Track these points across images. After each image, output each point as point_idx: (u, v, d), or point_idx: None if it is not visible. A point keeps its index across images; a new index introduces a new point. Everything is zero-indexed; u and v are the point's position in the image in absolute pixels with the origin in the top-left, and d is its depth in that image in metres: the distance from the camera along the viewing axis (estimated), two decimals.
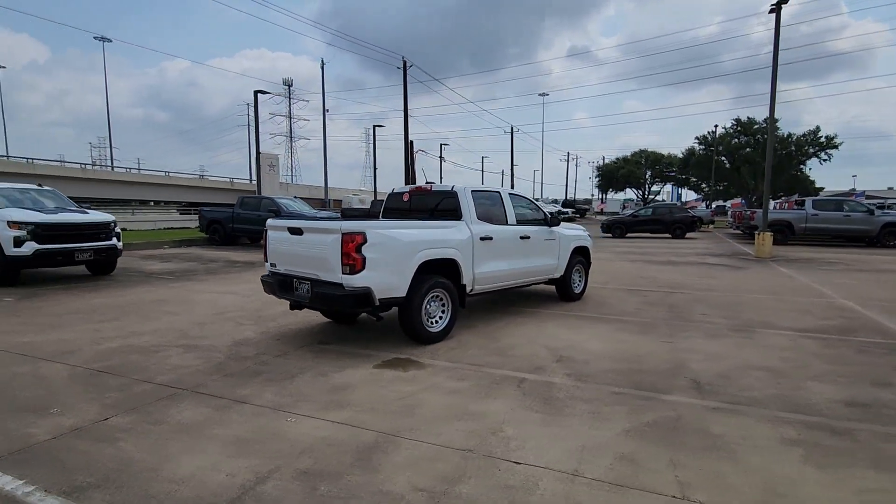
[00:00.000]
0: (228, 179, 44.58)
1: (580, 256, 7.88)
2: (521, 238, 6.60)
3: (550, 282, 7.61)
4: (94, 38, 61.26)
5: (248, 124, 72.87)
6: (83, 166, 37.35)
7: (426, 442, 3.16)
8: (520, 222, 6.73)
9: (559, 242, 7.36)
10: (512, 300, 7.91)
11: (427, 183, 6.65)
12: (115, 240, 10.17)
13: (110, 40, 61.99)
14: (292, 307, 5.43)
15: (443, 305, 5.51)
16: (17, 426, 3.39)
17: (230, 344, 5.37)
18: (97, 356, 4.93)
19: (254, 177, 38.90)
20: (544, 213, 7.25)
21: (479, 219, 6.05)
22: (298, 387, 4.12)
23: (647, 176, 56.54)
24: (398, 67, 30.33)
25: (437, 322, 5.45)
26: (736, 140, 41.56)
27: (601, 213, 55.17)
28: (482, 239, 5.95)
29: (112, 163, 66.89)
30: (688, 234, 23.53)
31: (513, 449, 3.07)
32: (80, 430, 3.34)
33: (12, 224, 8.85)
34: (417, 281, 5.15)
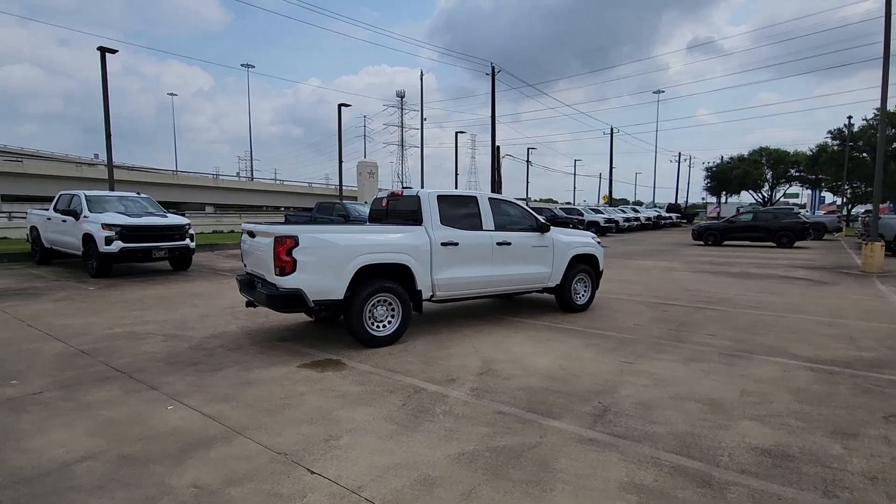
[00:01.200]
0: (334, 186, 47.77)
1: (583, 265, 7.30)
2: (499, 244, 6.30)
3: (549, 291, 7.16)
4: (241, 65, 68.98)
5: (365, 135, 77.55)
6: (215, 177, 42.61)
7: (257, 442, 3.20)
8: (501, 228, 6.43)
9: (553, 250, 6.90)
10: (508, 308, 7.58)
11: (403, 188, 6.64)
12: (188, 240, 11.50)
13: (253, 66, 70.05)
14: (247, 304, 5.75)
15: (392, 310, 5.48)
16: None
17: (205, 336, 5.84)
18: (96, 339, 5.66)
19: (354, 183, 41.29)
20: (535, 219, 6.84)
21: (444, 224, 5.91)
22: (214, 379, 4.38)
23: (767, 177, 49.78)
24: (487, 74, 30.36)
25: (384, 326, 5.42)
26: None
27: (717, 217, 49.94)
28: (444, 244, 5.80)
29: (252, 174, 75.21)
30: (799, 243, 20.46)
31: (327, 458, 2.99)
32: (11, 399, 3.89)
33: (105, 226, 10.42)
34: (358, 285, 5.18)
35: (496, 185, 30.95)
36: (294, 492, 2.63)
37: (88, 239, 10.61)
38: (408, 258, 5.49)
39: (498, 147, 31.05)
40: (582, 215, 28.06)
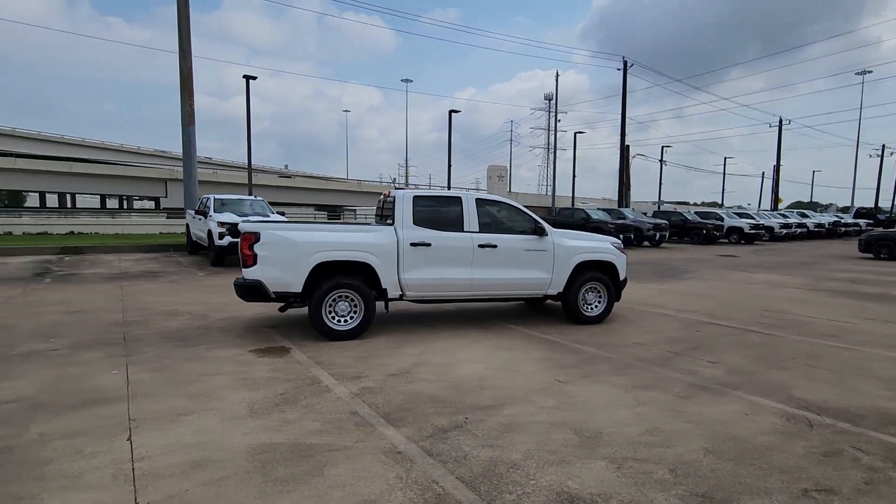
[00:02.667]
0: (466, 190, 49.55)
1: (595, 273, 6.55)
2: (482, 246, 6.02)
3: (553, 299, 6.61)
4: (401, 80, 74.77)
5: (511, 140, 77.96)
6: (359, 182, 46.86)
7: (129, 407, 3.65)
8: (488, 230, 6.14)
9: (553, 254, 6.34)
10: (512, 315, 7.15)
11: (396, 187, 6.71)
12: None
13: (411, 80, 75.20)
14: None
15: (354, 306, 5.63)
16: (12, 342, 5.25)
17: (219, 318, 6.66)
18: (146, 313, 6.84)
19: (483, 185, 41.82)
20: (533, 221, 6.36)
21: (419, 224, 5.86)
22: (175, 353, 5.02)
23: None
24: (618, 69, 28.42)
25: (346, 321, 5.60)
26: None
27: None
28: (414, 245, 5.76)
29: (407, 180, 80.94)
30: None
31: (156, 430, 3.30)
32: (32, 351, 4.97)
33: (220, 224, 12.35)
34: (317, 280, 5.45)
35: (624, 186, 28.79)
36: (97, 451, 2.99)
37: (210, 234, 12.68)
38: (370, 256, 5.59)
39: (627, 147, 28.85)
40: (721, 220, 24.57)
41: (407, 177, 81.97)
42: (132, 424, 3.37)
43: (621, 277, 6.75)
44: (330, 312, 5.55)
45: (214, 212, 13.18)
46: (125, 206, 61.62)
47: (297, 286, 5.40)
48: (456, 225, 6.03)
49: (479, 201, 6.26)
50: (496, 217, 6.32)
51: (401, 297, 5.86)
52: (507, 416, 3.59)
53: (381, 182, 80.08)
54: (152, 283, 9.71)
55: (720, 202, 56.16)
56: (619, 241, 7.03)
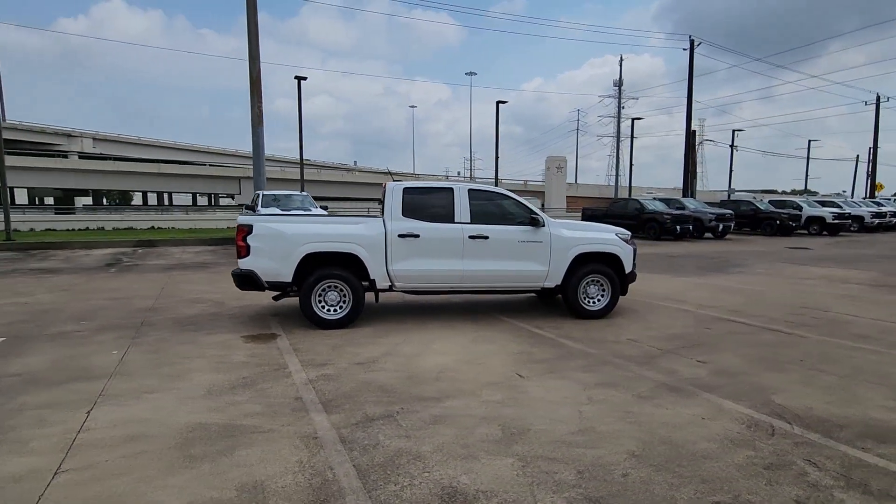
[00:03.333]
0: (522, 181, 48.53)
1: (597, 265, 6.23)
2: (472, 237, 5.93)
3: (551, 292, 6.39)
4: (466, 74, 74.71)
5: (578, 129, 75.63)
6: (415, 176, 47.48)
7: (107, 383, 3.99)
8: (480, 221, 6.03)
9: (550, 246, 6.11)
10: (511, 307, 6.97)
11: (394, 179, 6.71)
12: None
13: (475, 73, 75.07)
14: None
15: (343, 296, 5.76)
16: (49, 323, 5.90)
17: (234, 305, 7.07)
18: (174, 301, 7.42)
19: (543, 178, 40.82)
20: (530, 212, 6.15)
21: (408, 216, 5.88)
22: (175, 337, 5.41)
23: None
24: (684, 49, 26.61)
25: (335, 311, 5.76)
26: None
27: None
28: (402, 236, 5.78)
29: (472, 173, 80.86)
30: None
31: (117, 405, 3.59)
32: (59, 333, 5.57)
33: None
34: (306, 270, 5.64)
35: (690, 174, 26.98)
36: (56, 421, 3.31)
37: None
38: (357, 248, 5.69)
39: (694, 132, 26.98)
40: (799, 209, 22.35)
41: (472, 169, 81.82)
42: (100, 399, 3.69)
43: (627, 270, 6.37)
44: (320, 302, 5.73)
45: (262, 207, 13.94)
46: (211, 203, 66.71)
47: (287, 276, 5.62)
48: (447, 216, 5.98)
49: (472, 192, 6.16)
50: (490, 208, 6.18)
51: (390, 288, 5.92)
52: (444, 409, 3.54)
53: (448, 176, 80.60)
54: (198, 273, 10.48)
55: (808, 189, 51.12)
56: (627, 233, 6.63)
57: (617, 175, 36.31)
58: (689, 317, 6.43)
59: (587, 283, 6.27)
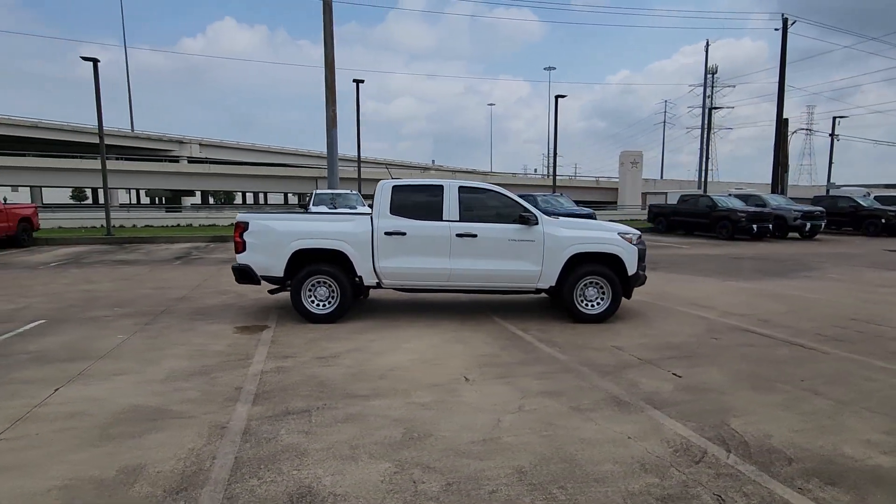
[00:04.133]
0: (594, 179, 46.49)
1: (597, 266, 5.82)
2: (460, 235, 5.79)
3: (545, 293, 6.07)
4: (544, 69, 73.43)
5: (665, 121, 71.15)
6: (514, 174, 46.95)
7: (91, 364, 4.41)
8: (470, 219, 5.87)
9: (543, 245, 5.80)
10: (506, 308, 6.68)
11: (392, 177, 6.69)
12: None
13: (554, 68, 73.09)
14: None
15: (332, 292, 5.88)
16: (90, 308, 6.61)
17: (252, 297, 7.48)
18: (202, 292, 8.00)
19: (606, 173, 38.81)
20: (522, 209, 5.87)
21: (396, 213, 5.87)
22: (180, 325, 5.83)
23: None
24: (776, 30, 24.03)
25: (324, 306, 5.90)
26: None
27: None
28: (388, 234, 5.79)
29: (549, 170, 79.18)
30: None
31: (86, 384, 3.95)
32: (92, 317, 6.23)
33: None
34: (297, 266, 5.83)
35: (781, 167, 24.31)
36: (25, 395, 3.71)
37: None
38: (344, 245, 5.78)
39: (786, 120, 24.26)
40: (856, 205, 19.48)
41: (554, 166, 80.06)
42: (77, 378, 4.08)
43: (630, 272, 5.87)
44: (310, 297, 5.90)
45: (313, 205, 14.61)
46: (300, 202, 71.10)
47: (279, 271, 5.85)
48: (435, 214, 5.89)
49: (463, 189, 6.01)
50: (481, 206, 5.99)
51: (378, 286, 5.96)
52: (364, 408, 3.50)
53: (527, 174, 79.39)
54: None
55: None
56: (635, 232, 6.12)
57: (705, 169, 33.60)
58: (701, 324, 5.81)
59: (585, 284, 5.88)
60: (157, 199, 68.56)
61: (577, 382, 3.97)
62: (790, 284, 8.59)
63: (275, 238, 5.83)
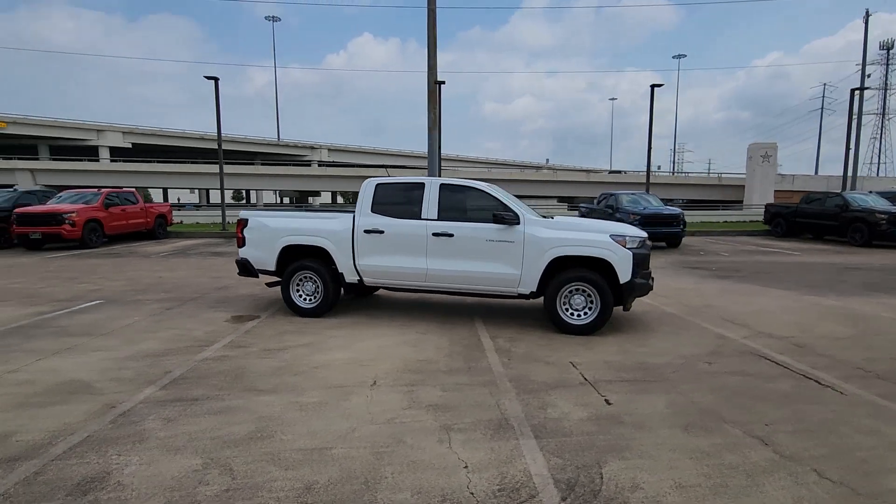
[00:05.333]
0: (716, 175, 41.11)
1: (583, 271, 5.17)
2: (436, 235, 5.55)
3: (528, 298, 5.55)
4: (672, 57, 67.88)
5: (822, 108, 61.44)
6: (654, 173, 44.07)
7: (91, 341, 5.06)
8: (450, 217, 5.60)
9: (523, 246, 5.32)
10: (496, 313, 6.18)
11: (388, 174, 6.60)
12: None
13: (685, 55, 66.63)
14: None
15: (317, 287, 6.03)
16: (142, 291, 7.58)
17: (275, 290, 7.95)
18: (240, 281, 8.72)
19: (742, 170, 33.95)
20: (503, 209, 5.43)
21: (376, 211, 5.83)
22: (192, 312, 6.42)
23: None
24: None
25: (310, 300, 6.07)
26: None
27: None
28: (367, 231, 5.76)
29: (674, 167, 72.83)
30: None
31: (67, 356, 4.54)
32: (137, 301, 7.14)
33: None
34: (287, 260, 6.08)
35: None
36: (14, 361, 4.37)
37: None
38: (326, 242, 5.88)
39: None
40: None
41: (674, 162, 73.56)
42: (64, 351, 4.71)
43: (622, 279, 5.12)
44: (298, 291, 6.11)
45: None
46: None
47: (271, 265, 6.15)
48: (414, 213, 5.72)
49: (444, 187, 5.74)
50: (461, 204, 5.67)
51: (360, 283, 5.96)
52: (248, 401, 3.53)
53: (655, 171, 73.74)
54: None
55: None
56: (636, 235, 5.32)
57: (854, 162, 28.23)
58: (709, 345, 4.87)
59: (570, 291, 5.27)
60: (290, 199, 76.40)
61: (481, 399, 3.58)
62: (890, 304, 6.82)
63: (268, 234, 6.14)
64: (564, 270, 5.27)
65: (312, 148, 66.00)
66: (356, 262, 5.85)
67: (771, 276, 9.25)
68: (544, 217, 6.23)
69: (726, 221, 24.16)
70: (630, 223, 14.79)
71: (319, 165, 62.64)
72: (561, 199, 47.74)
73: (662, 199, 16.73)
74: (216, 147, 19.62)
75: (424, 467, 2.65)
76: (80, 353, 4.64)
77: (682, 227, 14.60)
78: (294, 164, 60.20)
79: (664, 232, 14.55)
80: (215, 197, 75.69)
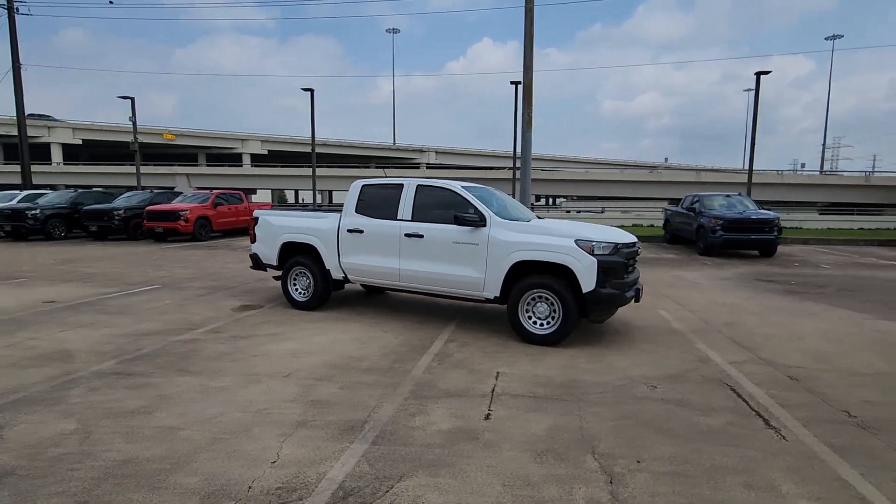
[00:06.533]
0: (862, 174, 33.97)
1: (544, 278, 4.82)
2: (408, 235, 5.55)
3: (493, 303, 5.27)
4: (825, 38, 59.11)
5: None
6: (780, 172, 39.02)
7: (111, 323, 5.92)
8: (424, 219, 5.56)
9: (487, 250, 5.10)
10: (484, 319, 5.91)
11: (386, 176, 6.65)
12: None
13: (842, 36, 57.07)
14: None
15: (309, 282, 6.36)
16: (194, 282, 8.61)
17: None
18: None
19: None
20: (472, 210, 5.24)
21: (359, 212, 5.99)
22: (215, 298, 7.16)
23: None
24: None
25: (304, 294, 6.42)
26: None
27: None
28: (350, 231, 5.95)
29: (822, 164, 63.26)
30: None
31: (66, 329, 5.38)
32: (183, 286, 8.14)
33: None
34: (286, 256, 6.51)
35: None
36: (19, 334, 5.29)
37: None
38: (314, 240, 6.19)
39: None
40: None
41: (823, 160, 63.99)
42: (86, 326, 5.56)
43: (585, 288, 4.66)
44: (294, 285, 6.51)
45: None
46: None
47: (274, 260, 6.62)
48: (391, 213, 5.77)
49: (420, 188, 5.70)
50: (434, 205, 5.57)
51: (345, 279, 6.16)
52: (164, 380, 3.89)
53: (798, 170, 64.89)
54: None
55: None
56: (612, 240, 4.81)
57: None
58: (673, 367, 4.26)
59: (534, 298, 4.94)
60: None
61: (364, 400, 3.54)
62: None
63: (272, 231, 6.63)
64: (526, 276, 4.96)
65: (421, 151, 68.59)
66: (340, 260, 6.07)
67: (858, 295, 7.69)
68: (539, 218, 5.94)
69: (861, 229, 20.36)
70: (711, 228, 13.24)
71: (427, 168, 64.92)
72: (672, 201, 43.73)
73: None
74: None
75: (239, 457, 2.73)
76: (93, 329, 5.45)
77: (776, 233, 12.67)
78: (403, 167, 63.09)
79: (753, 239, 12.78)
80: (339, 198, 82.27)
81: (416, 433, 3.03)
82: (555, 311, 4.88)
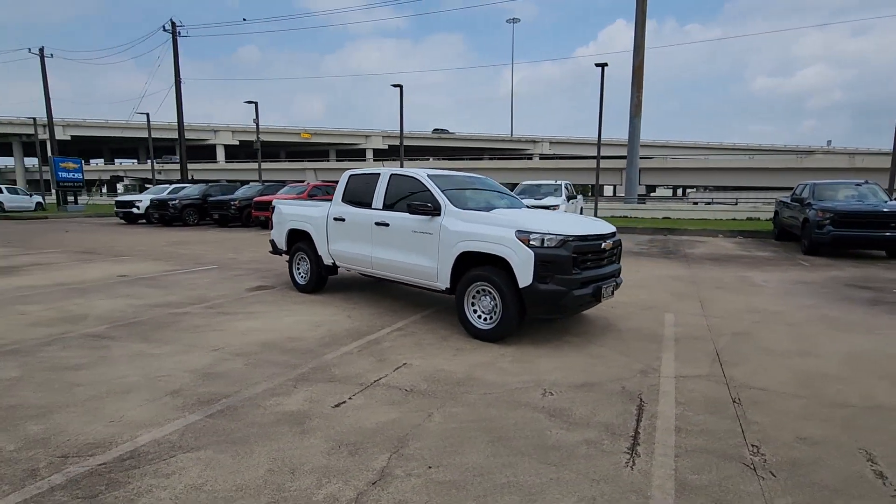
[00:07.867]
0: None
1: (485, 270, 4.52)
2: (377, 224, 5.58)
3: (450, 294, 5.07)
4: None
5: None
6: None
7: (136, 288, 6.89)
8: (392, 207, 5.56)
9: (438, 239, 4.94)
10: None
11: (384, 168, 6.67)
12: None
13: None
14: None
15: (307, 266, 6.72)
16: (239, 267, 9.58)
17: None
18: None
19: None
20: (423, 200, 5.11)
21: (345, 200, 6.18)
22: (237, 278, 7.91)
23: None
24: None
25: (304, 277, 6.81)
26: None
27: None
28: (335, 219, 6.17)
29: None
30: None
31: (96, 298, 6.36)
32: (234, 268, 9.11)
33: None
34: (292, 242, 6.97)
35: None
36: (32, 303, 6.36)
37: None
38: (308, 227, 6.52)
39: None
40: None
41: None
42: (122, 297, 6.55)
43: (521, 283, 4.27)
44: (298, 270, 6.94)
45: (518, 194, 14.70)
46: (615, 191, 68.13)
47: (284, 246, 7.12)
48: (368, 202, 5.86)
49: (393, 177, 5.68)
50: (402, 194, 5.50)
51: (334, 265, 6.40)
52: (119, 344, 4.44)
53: None
54: None
55: None
56: (559, 232, 4.33)
57: None
58: (601, 375, 3.73)
59: (478, 292, 4.67)
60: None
61: (253, 376, 3.70)
62: None
63: (282, 219, 7.12)
64: (473, 267, 4.71)
65: (534, 142, 67.22)
66: (329, 247, 6.33)
67: None
68: (528, 208, 5.66)
69: None
70: (818, 223, 11.09)
71: (541, 158, 63.43)
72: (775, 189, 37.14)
73: None
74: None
75: (91, 415, 3.06)
76: (125, 299, 6.38)
77: None
78: (516, 158, 62.41)
79: (873, 237, 10.46)
80: None
81: (256, 412, 3.11)
82: (494, 305, 4.57)
